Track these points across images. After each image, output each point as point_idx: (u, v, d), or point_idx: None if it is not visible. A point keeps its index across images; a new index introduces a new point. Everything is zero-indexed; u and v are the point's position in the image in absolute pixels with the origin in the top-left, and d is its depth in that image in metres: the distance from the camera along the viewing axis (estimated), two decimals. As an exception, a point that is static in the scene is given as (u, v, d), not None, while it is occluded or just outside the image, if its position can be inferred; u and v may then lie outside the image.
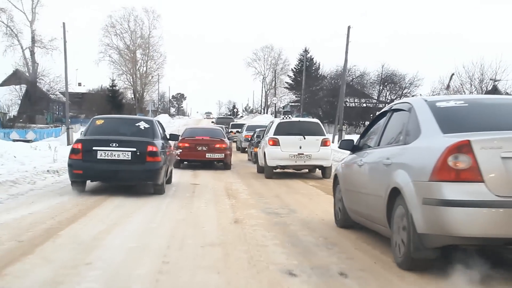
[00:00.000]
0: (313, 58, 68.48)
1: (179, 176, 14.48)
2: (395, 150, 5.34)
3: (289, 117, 18.25)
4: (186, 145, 17.59)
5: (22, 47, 49.74)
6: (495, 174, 4.22)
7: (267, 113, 78.82)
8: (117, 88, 59.63)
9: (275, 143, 14.55)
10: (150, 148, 10.17)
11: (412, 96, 43.03)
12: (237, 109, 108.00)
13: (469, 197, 4.22)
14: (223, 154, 17.58)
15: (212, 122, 54.26)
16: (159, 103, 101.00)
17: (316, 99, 57.02)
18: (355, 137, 9.96)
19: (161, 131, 11.73)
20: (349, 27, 35.89)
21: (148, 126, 11.09)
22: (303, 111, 51.73)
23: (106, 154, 10.02)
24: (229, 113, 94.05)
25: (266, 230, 6.73)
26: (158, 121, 12.27)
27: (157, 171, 10.18)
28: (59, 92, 52.97)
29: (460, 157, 4.28)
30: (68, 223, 6.96)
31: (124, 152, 10.05)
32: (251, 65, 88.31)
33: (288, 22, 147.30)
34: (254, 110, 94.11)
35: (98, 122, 11.29)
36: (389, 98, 49.41)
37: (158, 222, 7.32)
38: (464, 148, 4.27)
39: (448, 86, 36.68)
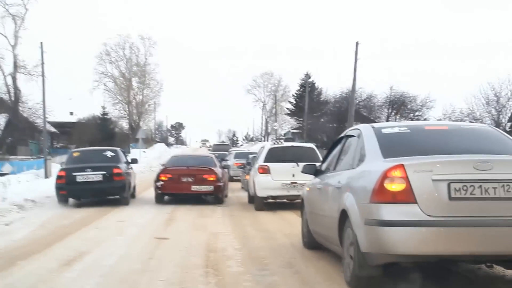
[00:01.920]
0: (315, 83, 69.41)
1: (148, 220, 12.06)
2: (345, 174, 6.04)
3: (281, 142, 17.15)
4: (169, 176, 15.51)
5: (3, 73, 49.24)
6: (426, 195, 4.87)
7: (267, 140, 79.59)
8: (108, 116, 60.52)
9: (266, 171, 13.84)
10: (115, 170, 14.72)
11: (424, 119, 43.53)
12: (237, 137, 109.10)
13: (404, 217, 4.87)
14: (212, 187, 15.35)
15: (209, 149, 54.94)
16: (156, 132, 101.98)
17: (319, 125, 57.54)
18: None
19: (123, 157, 16.46)
20: (357, 43, 36.38)
21: (114, 154, 15.89)
22: (306, 137, 52.25)
23: (83, 177, 14.38)
24: (228, 142, 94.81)
25: None
26: (121, 150, 17.37)
27: (123, 187, 14.75)
28: (47, 121, 53.65)
29: (395, 180, 4.93)
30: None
31: (96, 174, 14.50)
32: (250, 92, 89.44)
33: (288, 51, 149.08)
34: (254, 138, 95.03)
35: (75, 154, 16.39)
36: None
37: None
38: (399, 171, 4.93)
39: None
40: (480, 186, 4.84)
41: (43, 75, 29.50)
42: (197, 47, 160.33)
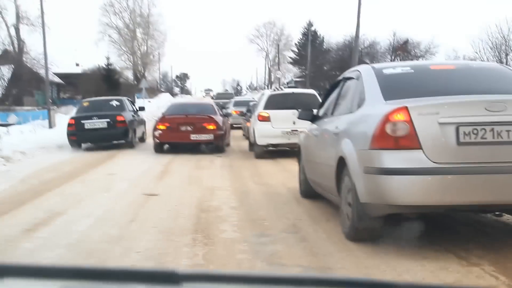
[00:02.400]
0: (317, 31, 68.11)
1: (141, 172, 10.99)
2: (343, 119, 5.48)
3: (281, 89, 16.41)
4: (167, 125, 14.73)
5: (7, 25, 48.45)
6: (432, 140, 4.32)
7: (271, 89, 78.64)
8: (113, 67, 59.66)
9: (265, 118, 13.30)
10: (119, 118, 16.02)
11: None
12: (241, 86, 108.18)
13: (407, 164, 4.33)
14: (212, 135, 14.55)
15: (212, 98, 54.27)
16: (162, 82, 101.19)
17: (322, 73, 56.75)
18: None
19: (129, 106, 17.73)
20: None
21: (119, 103, 17.23)
22: (309, 86, 51.51)
23: (90, 125, 15.83)
24: (232, 91, 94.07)
25: None
26: (128, 99, 18.92)
27: (125, 132, 16.04)
28: (53, 72, 52.99)
29: (398, 124, 4.37)
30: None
31: (102, 122, 15.92)
32: (253, 42, 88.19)
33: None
34: (258, 87, 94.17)
35: (85, 104, 17.90)
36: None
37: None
38: (402, 114, 4.37)
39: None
40: (492, 129, 4.28)
41: (43, 25, 28.56)
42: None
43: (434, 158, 4.29)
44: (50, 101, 28.72)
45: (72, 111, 38.54)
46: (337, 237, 5.10)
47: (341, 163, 5.10)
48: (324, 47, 64.99)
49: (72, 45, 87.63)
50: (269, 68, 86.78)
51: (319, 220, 5.93)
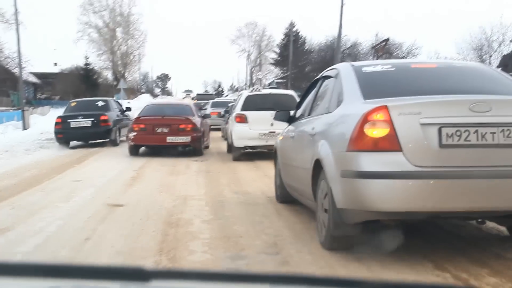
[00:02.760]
0: (299, 32, 68.02)
1: (110, 178, 10.04)
2: (320, 119, 5.19)
3: (259, 89, 15.91)
4: (141, 126, 14.14)
5: None
6: (413, 142, 4.05)
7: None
8: (91, 67, 58.97)
9: (243, 120, 13.04)
10: (102, 117, 16.79)
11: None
12: (222, 88, 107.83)
13: (387, 168, 4.05)
14: (190, 138, 13.94)
15: (192, 99, 53.83)
16: (142, 83, 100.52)
17: (304, 74, 56.65)
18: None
19: (114, 106, 18.48)
20: None
21: (104, 103, 18.11)
22: (291, 87, 51.37)
23: (75, 123, 16.72)
24: (214, 92, 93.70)
25: None
26: (114, 100, 20.02)
27: (108, 131, 16.88)
28: (30, 72, 52.16)
29: (377, 124, 4.09)
30: None
31: (86, 121, 16.74)
32: (235, 43, 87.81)
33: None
34: (239, 89, 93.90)
35: (73, 104, 18.64)
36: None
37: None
38: (381, 114, 4.09)
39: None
40: (477, 131, 4.02)
41: (17, 22, 27.90)
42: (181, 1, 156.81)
43: (415, 161, 4.01)
44: (24, 101, 28.00)
45: (49, 111, 38.35)
46: (323, 261, 4.47)
47: (318, 166, 4.81)
48: (306, 48, 64.99)
49: (52, 45, 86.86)
50: (250, 69, 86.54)
51: (302, 238, 5.25)
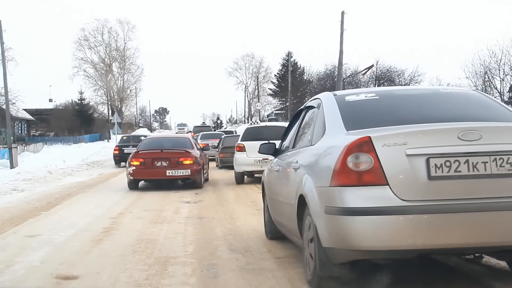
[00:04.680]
0: (297, 62, 68.41)
1: (76, 231, 8.20)
2: (303, 152, 5.04)
3: (257, 123, 19.20)
4: (141, 160, 14.29)
5: None
6: (400, 175, 3.86)
7: (251, 122, 78.57)
8: (86, 102, 59.25)
9: (241, 149, 15.43)
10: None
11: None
12: (221, 120, 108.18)
13: (372, 203, 3.85)
14: (189, 170, 14.12)
15: (187, 132, 53.84)
16: (140, 117, 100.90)
17: (303, 104, 56.57)
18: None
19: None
20: (343, 13, 34.31)
21: (145, 137, 21.84)
22: (290, 118, 51.26)
23: (127, 150, 24.82)
24: (213, 124, 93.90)
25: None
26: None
27: None
28: (23, 108, 52.33)
29: (360, 157, 3.91)
30: None
31: (133, 148, 20.44)
32: (232, 75, 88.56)
33: (268, 31, 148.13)
34: (238, 121, 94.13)
35: (124, 137, 29.82)
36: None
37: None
38: (365, 146, 3.92)
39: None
40: (467, 161, 3.84)
41: (3, 55, 27.83)
42: (177, 31, 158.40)
43: (402, 195, 3.82)
44: (12, 139, 27.91)
45: (42, 148, 38.48)
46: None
47: (302, 202, 4.63)
48: (305, 77, 65.21)
49: (48, 82, 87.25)
50: (248, 101, 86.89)
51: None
